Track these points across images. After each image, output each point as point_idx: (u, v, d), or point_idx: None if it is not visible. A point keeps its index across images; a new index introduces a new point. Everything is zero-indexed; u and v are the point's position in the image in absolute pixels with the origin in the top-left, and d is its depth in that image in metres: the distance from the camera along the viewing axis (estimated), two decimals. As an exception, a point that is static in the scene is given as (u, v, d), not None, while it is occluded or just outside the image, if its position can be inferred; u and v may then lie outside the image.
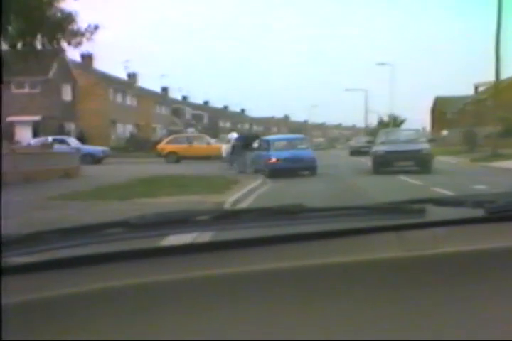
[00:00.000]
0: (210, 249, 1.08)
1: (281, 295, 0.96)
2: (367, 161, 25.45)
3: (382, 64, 58.39)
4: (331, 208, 1.32)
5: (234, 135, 27.79)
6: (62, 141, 30.50)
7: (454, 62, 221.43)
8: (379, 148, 21.75)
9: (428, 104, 79.54)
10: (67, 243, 1.09)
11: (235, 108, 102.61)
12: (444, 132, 63.48)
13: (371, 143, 26.94)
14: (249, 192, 13.86)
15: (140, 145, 44.54)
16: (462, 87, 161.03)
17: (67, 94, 45.31)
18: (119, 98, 53.93)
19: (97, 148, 33.24)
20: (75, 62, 48.37)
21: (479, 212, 1.28)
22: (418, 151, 20.87)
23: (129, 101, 57.03)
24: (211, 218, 1.23)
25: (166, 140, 36.36)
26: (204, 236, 1.96)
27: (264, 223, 1.23)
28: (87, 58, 50.63)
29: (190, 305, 0.93)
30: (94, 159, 30.68)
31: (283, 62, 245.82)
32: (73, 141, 32.67)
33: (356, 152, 41.37)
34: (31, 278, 0.97)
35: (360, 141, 45.58)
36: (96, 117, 47.23)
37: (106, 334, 0.88)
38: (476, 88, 68.50)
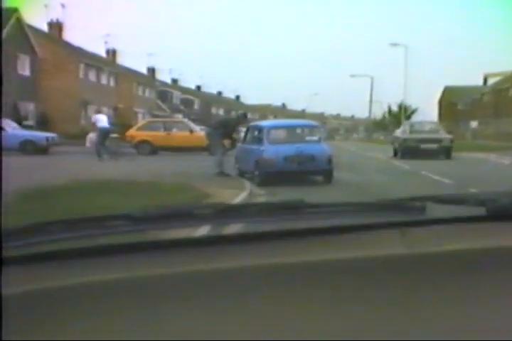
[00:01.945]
0: (212, 243, 1.10)
1: (283, 290, 0.97)
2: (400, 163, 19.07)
3: (395, 45, 51.21)
4: (333, 204, 1.35)
5: (99, 117, 21.59)
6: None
7: (464, 50, 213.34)
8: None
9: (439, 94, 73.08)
10: (68, 234, 1.09)
11: (229, 94, 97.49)
12: (473, 124, 56.34)
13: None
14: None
15: (116, 131, 37.26)
16: (470, 77, 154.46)
17: (24, 68, 37.85)
18: (92, 76, 46.72)
19: (39, 134, 25.96)
20: (39, 31, 41.29)
21: (481, 211, 1.29)
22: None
23: (106, 80, 49.90)
24: (214, 212, 1.24)
25: (137, 125, 29.19)
26: (206, 230, 1.78)
27: (266, 218, 1.24)
28: (56, 27, 43.77)
29: (191, 299, 0.94)
30: (37, 148, 23.89)
31: (283, 46, 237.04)
32: (10, 124, 25.53)
33: (411, 151, 23.09)
34: (32, 269, 0.97)
35: (419, 128, 25.22)
36: (63, 97, 40.13)
37: (106, 325, 0.89)
38: (485, 78, 63.07)
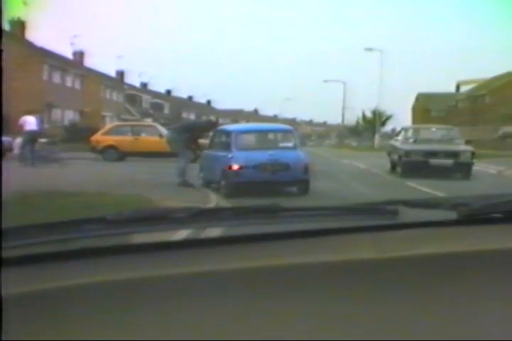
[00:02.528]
0: (188, 246, 1.10)
1: (259, 292, 0.98)
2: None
3: (370, 49, 50.18)
4: (307, 208, 1.40)
5: (28, 119, 19.68)
6: None
7: (439, 57, 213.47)
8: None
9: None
10: (43, 238, 1.09)
11: (200, 99, 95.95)
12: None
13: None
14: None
15: (82, 136, 35.44)
16: (443, 85, 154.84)
17: (-21, 67, 36.06)
18: (56, 77, 44.92)
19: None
20: (-1, 30, 39.40)
21: (452, 215, 1.29)
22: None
23: (71, 82, 48.09)
24: (189, 215, 1.25)
25: (103, 129, 27.50)
26: (181, 234, 1.65)
27: (241, 222, 1.26)
28: (18, 26, 41.77)
29: (169, 301, 0.94)
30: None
31: (255, 51, 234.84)
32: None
33: (416, 167, 16.97)
34: (6, 273, 0.96)
35: (427, 136, 18.82)
36: (24, 99, 38.15)
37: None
38: (457, 86, 62.91)
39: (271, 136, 13.17)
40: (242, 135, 12.40)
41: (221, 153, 11.98)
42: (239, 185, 11.17)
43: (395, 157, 18.33)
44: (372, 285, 1.01)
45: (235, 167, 11.31)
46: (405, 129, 20.22)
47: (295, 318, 0.95)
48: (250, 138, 12.66)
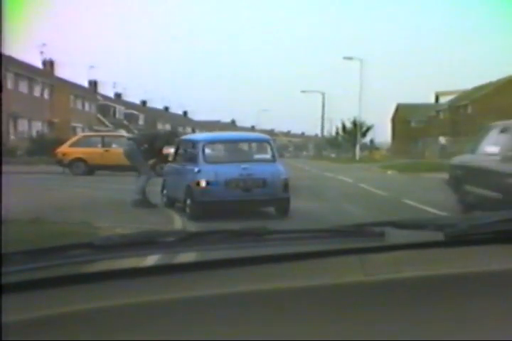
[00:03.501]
0: (175, 270, 1.10)
1: (244, 317, 0.99)
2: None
3: (349, 58, 48.66)
4: (295, 230, 1.40)
5: None
6: None
7: (416, 68, 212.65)
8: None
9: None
10: (30, 265, 1.08)
11: (177, 110, 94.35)
12: (442, 140, 53.51)
13: None
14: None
15: (50, 148, 33.27)
16: (420, 95, 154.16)
17: None
18: (23, 87, 42.94)
19: None
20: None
21: (439, 236, 1.30)
22: None
23: (39, 92, 46.07)
24: (176, 239, 1.26)
25: (70, 141, 25.45)
26: (169, 258, 1.63)
27: (229, 245, 1.26)
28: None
29: (156, 327, 0.95)
30: None
31: (231, 61, 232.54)
32: None
33: None
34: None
35: None
36: (-13, 109, 36.25)
37: None
38: (436, 96, 62.05)
39: (245, 146, 11.34)
40: (211, 145, 10.73)
41: (187, 167, 10.12)
42: (207, 204, 9.38)
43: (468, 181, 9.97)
44: (361, 308, 1.02)
45: (203, 183, 9.47)
46: (490, 130, 10.25)
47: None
48: (221, 149, 10.92)
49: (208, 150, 10.08)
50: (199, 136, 12.59)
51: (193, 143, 10.41)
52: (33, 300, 0.96)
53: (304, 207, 10.33)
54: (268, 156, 10.34)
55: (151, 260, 1.23)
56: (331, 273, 1.11)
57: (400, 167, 29.15)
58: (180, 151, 11.07)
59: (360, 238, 1.34)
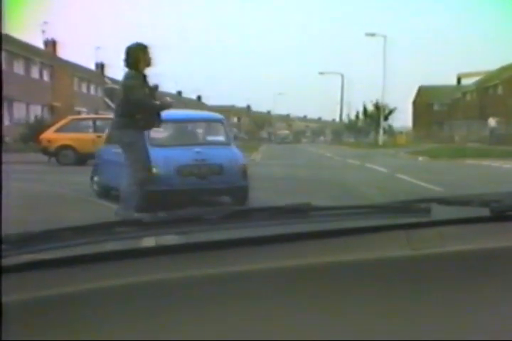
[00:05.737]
0: (221, 247, 1.12)
1: (290, 292, 1.02)
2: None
3: (372, 35, 45.13)
4: (339, 207, 1.36)
5: None
6: None
7: (440, 48, 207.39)
8: None
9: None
10: (77, 241, 1.09)
11: (190, 94, 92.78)
12: (492, 122, 48.50)
13: None
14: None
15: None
16: (442, 77, 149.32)
17: None
18: (18, 68, 40.13)
19: None
20: None
21: (485, 212, 1.30)
22: None
23: (38, 73, 43.36)
24: (222, 216, 1.26)
25: (56, 125, 22.30)
26: (214, 235, 1.60)
27: (273, 222, 1.26)
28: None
29: (199, 303, 0.97)
30: None
31: (247, 43, 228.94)
32: None
33: None
34: (33, 276, 0.98)
35: None
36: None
37: (106, 332, 0.92)
38: (458, 79, 58.34)
39: (195, 127, 9.81)
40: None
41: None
42: (152, 195, 7.21)
43: None
44: (407, 282, 1.05)
45: (151, 170, 7.12)
46: None
47: (335, 315, 0.99)
48: (168, 130, 8.97)
49: (153, 131, 7.92)
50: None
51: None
52: (76, 275, 0.97)
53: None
54: (222, 138, 9.16)
55: (197, 236, 1.22)
56: (377, 248, 1.13)
57: (431, 152, 25.94)
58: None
59: (406, 214, 1.32)
